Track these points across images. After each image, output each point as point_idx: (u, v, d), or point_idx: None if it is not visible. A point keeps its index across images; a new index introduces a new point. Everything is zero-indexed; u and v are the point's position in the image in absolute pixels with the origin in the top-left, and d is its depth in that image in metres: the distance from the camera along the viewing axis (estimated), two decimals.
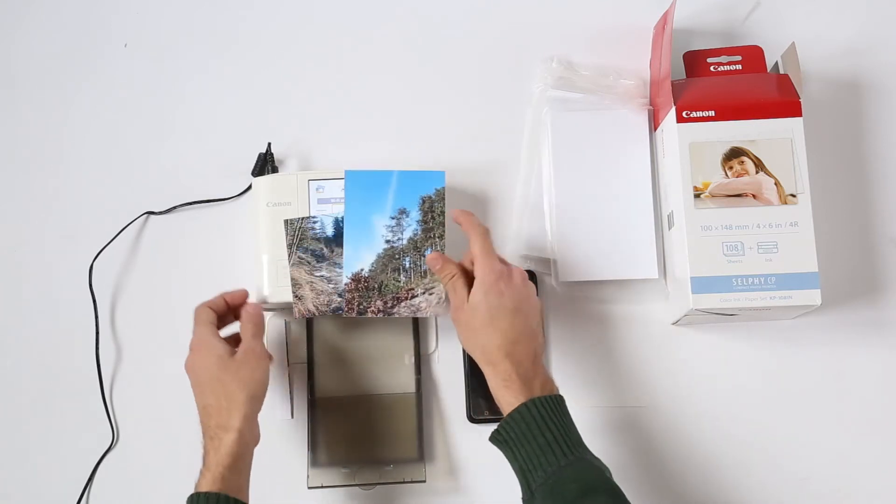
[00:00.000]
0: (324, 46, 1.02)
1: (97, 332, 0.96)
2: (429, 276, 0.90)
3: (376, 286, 0.90)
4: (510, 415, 0.78)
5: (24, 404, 0.96)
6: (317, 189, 0.92)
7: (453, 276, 0.85)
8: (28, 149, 1.01)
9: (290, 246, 0.90)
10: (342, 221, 0.91)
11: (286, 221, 0.91)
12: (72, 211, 0.99)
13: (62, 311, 0.97)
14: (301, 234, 0.90)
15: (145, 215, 0.98)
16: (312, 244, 0.90)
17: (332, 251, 0.90)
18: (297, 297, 0.90)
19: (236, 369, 0.83)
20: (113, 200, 0.99)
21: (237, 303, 0.89)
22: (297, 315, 0.90)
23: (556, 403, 0.79)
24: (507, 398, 0.79)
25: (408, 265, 0.90)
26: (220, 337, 0.85)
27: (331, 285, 0.90)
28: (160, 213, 0.98)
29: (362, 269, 0.90)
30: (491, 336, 0.81)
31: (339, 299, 0.90)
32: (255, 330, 0.86)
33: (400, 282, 0.90)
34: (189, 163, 1.00)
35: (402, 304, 0.90)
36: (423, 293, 0.90)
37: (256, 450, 0.83)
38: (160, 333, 0.96)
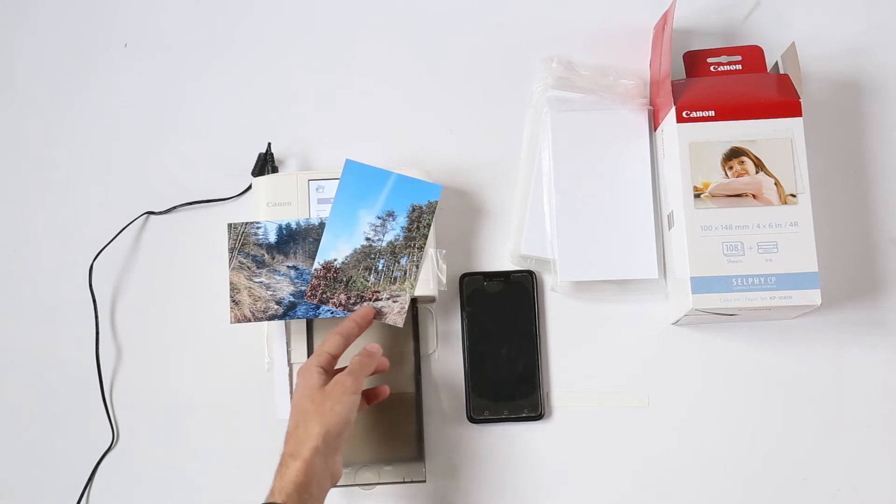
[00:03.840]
0: (324, 47, 1.02)
1: (97, 332, 0.96)
2: (397, 284, 0.89)
3: (344, 279, 0.89)
4: None
5: (24, 404, 0.96)
6: (317, 189, 0.92)
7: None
8: (28, 149, 1.01)
9: (231, 250, 0.90)
10: (285, 229, 0.90)
11: (229, 225, 0.91)
12: (72, 211, 0.99)
13: (62, 311, 0.97)
14: (244, 240, 0.90)
15: (145, 215, 0.98)
16: (254, 249, 0.90)
17: (274, 258, 0.90)
18: (234, 301, 0.89)
19: (321, 401, 0.80)
20: (113, 200, 0.99)
21: (365, 325, 0.87)
22: (233, 320, 0.89)
23: None
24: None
25: (381, 267, 0.90)
26: (320, 367, 0.82)
27: (269, 292, 0.89)
28: (160, 213, 0.98)
29: (335, 259, 0.90)
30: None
31: (276, 307, 0.89)
32: (354, 366, 0.83)
33: (368, 281, 0.89)
34: (189, 163, 1.00)
35: (365, 304, 0.89)
36: (388, 299, 0.89)
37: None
38: (160, 333, 0.96)
